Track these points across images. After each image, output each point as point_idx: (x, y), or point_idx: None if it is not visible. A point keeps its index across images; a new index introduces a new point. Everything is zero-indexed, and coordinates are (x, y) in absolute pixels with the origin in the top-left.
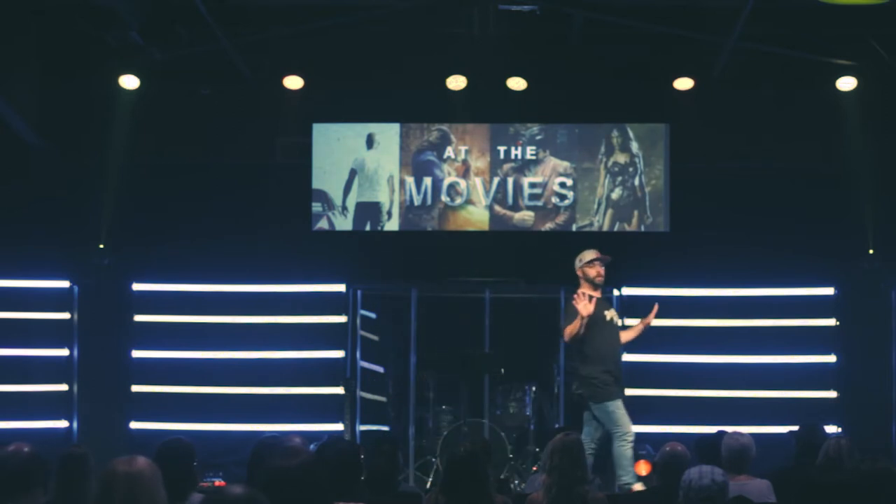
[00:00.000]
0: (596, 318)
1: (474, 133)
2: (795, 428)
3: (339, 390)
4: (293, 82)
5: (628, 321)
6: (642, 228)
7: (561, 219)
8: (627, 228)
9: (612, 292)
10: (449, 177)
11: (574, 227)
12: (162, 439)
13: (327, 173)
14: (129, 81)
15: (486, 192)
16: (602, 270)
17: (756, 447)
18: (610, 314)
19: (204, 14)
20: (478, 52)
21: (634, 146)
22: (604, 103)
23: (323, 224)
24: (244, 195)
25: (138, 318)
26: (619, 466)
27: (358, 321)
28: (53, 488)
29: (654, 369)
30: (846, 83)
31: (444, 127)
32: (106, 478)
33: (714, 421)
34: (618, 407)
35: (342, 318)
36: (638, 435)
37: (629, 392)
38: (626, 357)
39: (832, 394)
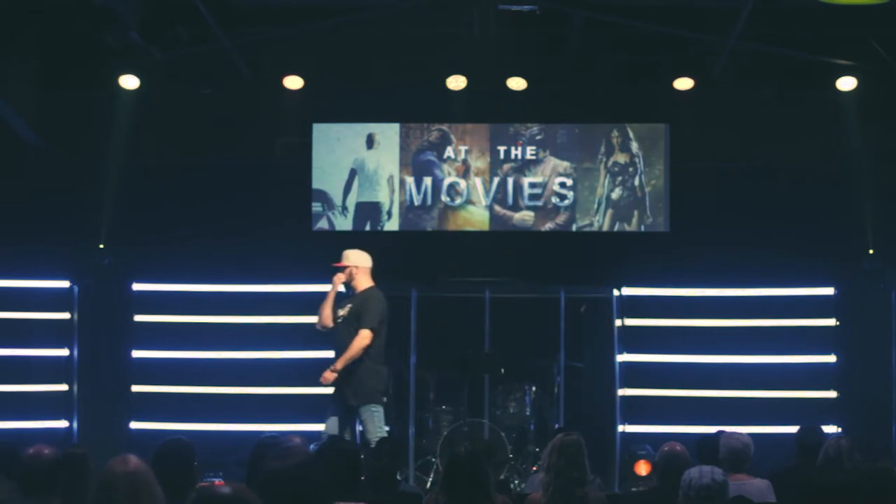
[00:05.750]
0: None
1: (474, 133)
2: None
3: None
4: (293, 82)
5: (629, 321)
6: (642, 228)
7: (561, 219)
8: (627, 228)
9: (611, 292)
10: (449, 177)
11: (574, 227)
12: (162, 439)
13: (327, 173)
14: (129, 81)
15: (486, 192)
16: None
17: (756, 447)
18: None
19: (204, 14)
20: (478, 52)
21: (634, 146)
22: (604, 103)
23: (323, 224)
24: (244, 195)
25: (138, 318)
26: None
27: None
28: None
29: (654, 369)
30: (846, 83)
31: (444, 127)
32: (106, 479)
33: (714, 421)
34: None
35: None
36: (638, 435)
37: (629, 392)
38: (625, 357)
39: (832, 394)
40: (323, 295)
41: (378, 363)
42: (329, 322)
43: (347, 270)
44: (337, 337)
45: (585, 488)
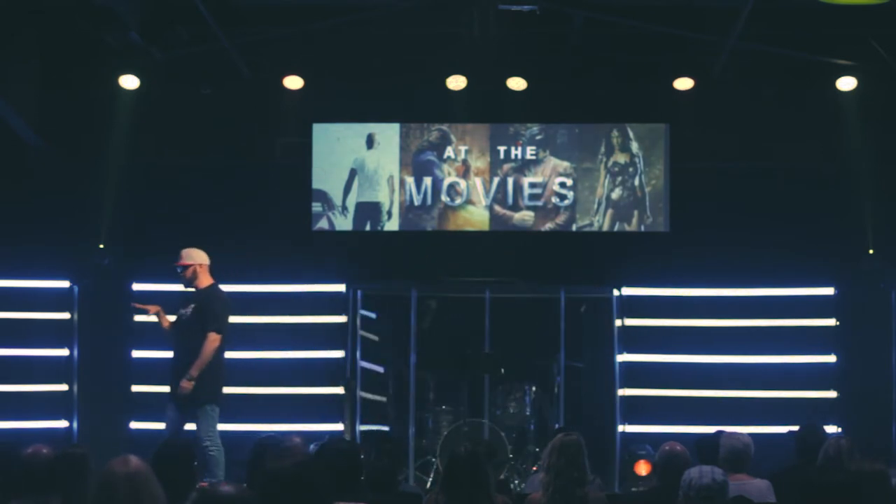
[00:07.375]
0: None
1: (474, 133)
2: (795, 428)
3: (339, 390)
4: (293, 82)
5: (629, 321)
6: (642, 228)
7: (561, 219)
8: (627, 228)
9: (611, 292)
10: (449, 177)
11: (574, 227)
12: (162, 439)
13: (327, 173)
14: (129, 81)
15: (486, 192)
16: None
17: (756, 447)
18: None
19: (204, 14)
20: (478, 52)
21: (634, 146)
22: (604, 103)
23: (323, 224)
24: (244, 195)
25: (138, 317)
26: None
27: (358, 321)
28: None
29: (654, 369)
30: (846, 83)
31: (444, 127)
32: (106, 479)
33: (714, 421)
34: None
35: (342, 318)
36: (638, 435)
37: (629, 392)
38: (625, 357)
39: (832, 394)
40: (323, 294)
41: (218, 363)
42: (168, 326)
43: (191, 268)
44: (178, 335)
45: (585, 488)
